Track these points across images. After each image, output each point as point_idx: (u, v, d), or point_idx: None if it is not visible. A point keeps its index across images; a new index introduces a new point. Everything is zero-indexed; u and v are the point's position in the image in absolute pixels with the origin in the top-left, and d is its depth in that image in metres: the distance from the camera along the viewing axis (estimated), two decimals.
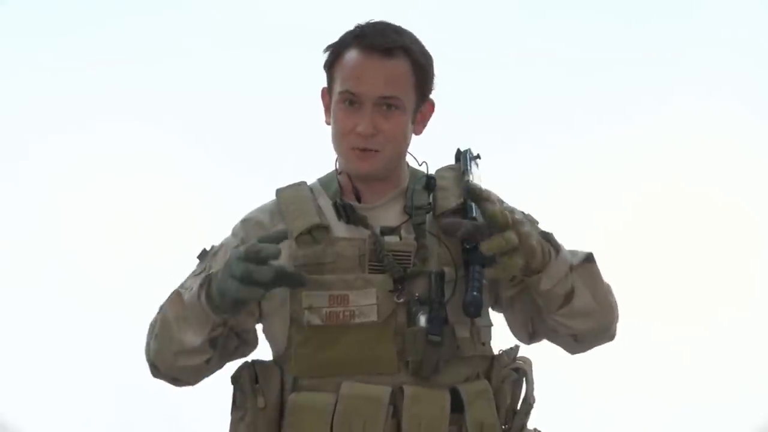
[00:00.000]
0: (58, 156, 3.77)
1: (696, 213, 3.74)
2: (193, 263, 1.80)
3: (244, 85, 3.77)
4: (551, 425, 1.84)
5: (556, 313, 1.65)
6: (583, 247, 1.72)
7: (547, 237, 1.63)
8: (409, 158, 1.81)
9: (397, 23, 1.74)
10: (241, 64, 3.78)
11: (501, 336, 1.82)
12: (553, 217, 1.86)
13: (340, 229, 1.71)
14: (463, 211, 1.68)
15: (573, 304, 1.63)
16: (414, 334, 1.62)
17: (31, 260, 3.67)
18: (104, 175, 3.78)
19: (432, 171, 1.81)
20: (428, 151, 1.84)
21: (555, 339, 1.76)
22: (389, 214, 1.73)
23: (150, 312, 1.76)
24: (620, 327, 1.77)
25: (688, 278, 3.65)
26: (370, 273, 1.66)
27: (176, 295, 1.67)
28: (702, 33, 3.78)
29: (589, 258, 1.67)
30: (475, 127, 3.39)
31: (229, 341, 1.71)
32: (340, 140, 1.71)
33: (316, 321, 1.65)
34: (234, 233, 1.79)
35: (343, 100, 1.68)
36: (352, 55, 1.68)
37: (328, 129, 1.75)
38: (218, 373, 1.78)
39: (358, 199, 1.75)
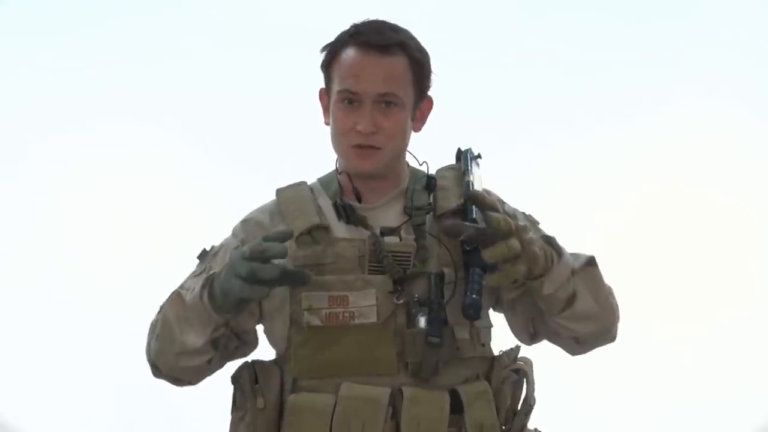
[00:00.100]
0: (58, 156, 3.77)
1: (696, 213, 3.74)
2: (193, 263, 1.80)
3: (244, 85, 3.77)
4: (551, 425, 1.84)
5: (558, 316, 1.65)
6: (583, 248, 1.72)
7: (550, 241, 1.63)
8: (409, 158, 1.81)
9: (397, 23, 1.74)
10: (241, 64, 3.78)
11: (501, 337, 1.82)
12: (553, 217, 1.86)
13: (340, 229, 1.70)
14: (463, 212, 1.67)
15: (575, 307, 1.63)
16: (413, 336, 1.62)
17: (31, 260, 3.67)
18: (104, 175, 3.78)
19: (432, 171, 1.81)
20: (428, 151, 1.83)
21: (556, 341, 1.76)
22: (389, 215, 1.73)
23: (150, 312, 1.76)
24: (620, 327, 1.77)
25: (688, 278, 3.65)
26: (369, 274, 1.65)
27: (177, 296, 1.67)
28: (702, 33, 3.78)
29: (591, 261, 1.66)
30: (475, 127, 3.39)
31: (229, 341, 1.71)
32: (339, 139, 1.70)
33: (316, 322, 1.65)
34: (234, 234, 1.79)
35: (341, 99, 1.68)
36: (349, 54, 1.68)
37: (328, 129, 1.75)
38: (219, 372, 1.78)
39: (359, 199, 1.75)
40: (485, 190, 1.77)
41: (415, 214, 1.71)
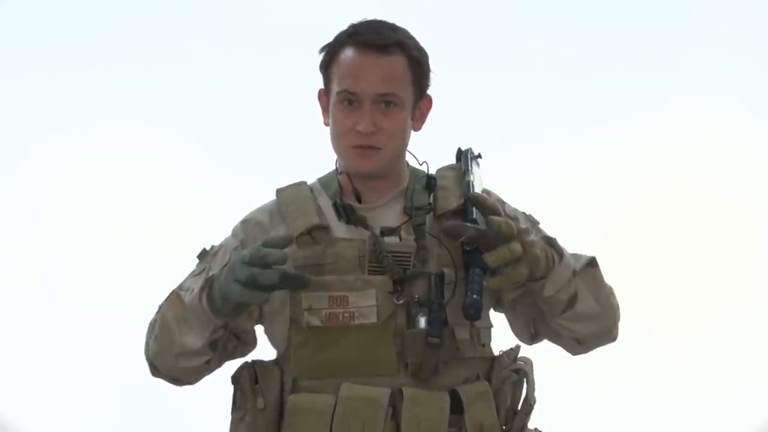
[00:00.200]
0: (58, 156, 3.77)
1: (696, 213, 3.74)
2: (193, 263, 1.80)
3: (244, 85, 3.77)
4: (552, 425, 1.84)
5: (559, 317, 1.65)
6: (583, 248, 1.72)
7: (551, 242, 1.63)
8: (409, 157, 1.81)
9: (397, 23, 1.74)
10: (241, 64, 3.78)
11: (501, 336, 1.82)
12: (553, 217, 1.86)
13: (340, 229, 1.70)
14: (463, 212, 1.68)
15: (576, 308, 1.63)
16: (413, 336, 1.62)
17: (31, 260, 3.67)
18: (104, 175, 3.78)
19: (432, 171, 1.80)
20: (428, 151, 1.83)
21: (557, 341, 1.76)
22: (389, 215, 1.73)
23: (150, 312, 1.77)
24: (621, 327, 1.77)
25: (688, 278, 3.65)
26: (369, 274, 1.65)
27: (176, 297, 1.67)
28: (702, 33, 3.78)
29: (592, 262, 1.66)
30: (475, 127, 3.39)
31: (228, 342, 1.71)
32: (339, 139, 1.70)
33: (316, 322, 1.65)
34: (234, 234, 1.79)
35: (341, 100, 1.67)
36: (348, 54, 1.67)
37: (328, 129, 1.75)
38: (219, 372, 1.78)
39: (359, 200, 1.74)
40: (485, 191, 1.77)
41: (415, 214, 1.71)
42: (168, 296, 1.72)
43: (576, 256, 1.68)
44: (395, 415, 1.63)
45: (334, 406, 1.62)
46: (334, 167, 1.81)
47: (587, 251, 1.71)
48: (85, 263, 3.68)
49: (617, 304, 1.73)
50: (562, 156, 3.83)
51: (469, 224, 1.55)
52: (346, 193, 1.76)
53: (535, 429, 1.79)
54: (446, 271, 1.65)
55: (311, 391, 1.66)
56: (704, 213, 3.74)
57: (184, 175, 3.80)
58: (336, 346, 1.64)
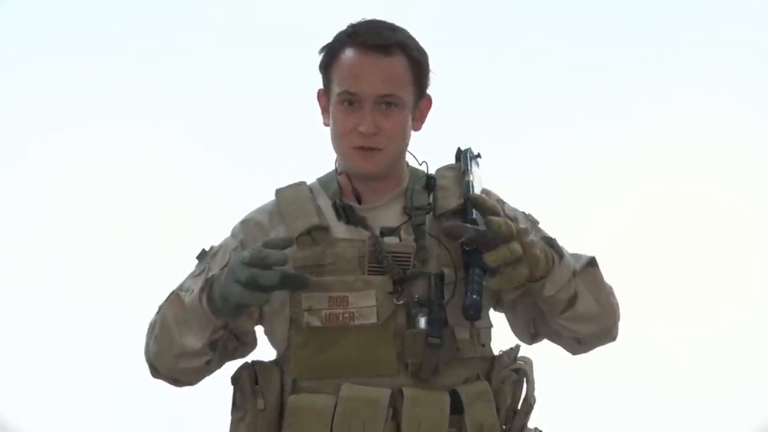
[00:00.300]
0: (58, 156, 3.77)
1: (696, 213, 3.74)
2: (193, 263, 1.80)
3: (244, 85, 3.77)
4: (552, 425, 1.84)
5: (559, 317, 1.65)
6: (583, 248, 1.72)
7: (551, 242, 1.63)
8: (408, 157, 1.81)
9: (396, 23, 1.74)
10: (241, 64, 3.78)
11: (501, 336, 1.82)
12: (553, 217, 1.86)
13: (339, 230, 1.70)
14: (463, 212, 1.68)
15: (576, 308, 1.63)
16: (413, 336, 1.62)
17: (31, 260, 3.67)
18: (104, 175, 3.78)
19: (432, 170, 1.80)
20: (428, 151, 1.83)
21: (557, 341, 1.76)
22: (389, 215, 1.73)
23: (150, 312, 1.77)
24: (621, 327, 1.77)
25: (688, 278, 3.65)
26: (369, 274, 1.65)
27: (176, 297, 1.67)
28: (702, 33, 3.78)
29: (591, 262, 1.66)
30: (475, 127, 3.38)
31: (228, 342, 1.71)
32: (340, 141, 1.70)
33: (316, 323, 1.64)
34: (233, 234, 1.79)
35: (342, 101, 1.67)
36: (348, 55, 1.67)
37: (327, 129, 1.75)
38: (219, 373, 1.78)
39: (358, 200, 1.74)
40: (485, 191, 1.77)
41: (415, 214, 1.71)
42: (168, 297, 1.72)
43: (576, 256, 1.68)
44: (395, 415, 1.63)
45: (335, 407, 1.62)
46: (333, 167, 1.81)
47: (587, 251, 1.71)
48: (85, 263, 3.68)
49: (617, 304, 1.73)
50: (562, 156, 3.82)
51: (468, 225, 1.55)
52: (346, 193, 1.76)
53: (535, 429, 1.79)
54: (446, 271, 1.65)
55: (311, 392, 1.66)
56: (704, 213, 3.74)
57: (184, 175, 3.80)
58: (336, 347, 1.64)
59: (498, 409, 1.71)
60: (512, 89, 3.78)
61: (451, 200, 1.73)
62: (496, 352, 1.77)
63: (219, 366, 1.75)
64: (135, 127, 3.78)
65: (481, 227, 1.52)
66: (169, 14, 3.80)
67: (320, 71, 1.74)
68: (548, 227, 1.80)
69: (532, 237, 1.54)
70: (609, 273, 1.72)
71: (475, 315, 1.49)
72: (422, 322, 1.61)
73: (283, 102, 3.58)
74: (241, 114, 3.78)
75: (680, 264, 3.68)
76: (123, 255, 3.69)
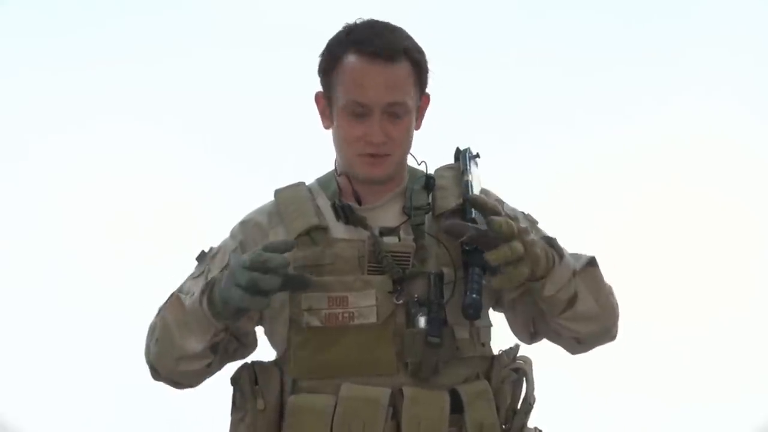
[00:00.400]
0: (58, 156, 3.77)
1: (696, 213, 3.74)
2: (193, 264, 1.80)
3: (244, 85, 3.77)
4: (551, 425, 1.84)
5: (559, 317, 1.65)
6: (583, 248, 1.72)
7: (551, 242, 1.63)
8: (408, 157, 1.80)
9: (396, 23, 1.73)
10: (241, 64, 3.78)
11: (501, 335, 1.81)
12: (553, 217, 1.86)
13: (338, 230, 1.70)
14: (462, 211, 1.68)
15: (576, 308, 1.63)
16: (413, 336, 1.62)
17: (31, 260, 3.67)
18: (104, 175, 3.78)
19: (431, 170, 1.80)
20: (428, 151, 1.83)
21: (557, 340, 1.76)
22: (388, 215, 1.73)
23: (150, 312, 1.76)
24: (621, 327, 1.77)
25: (688, 278, 3.65)
26: (369, 274, 1.65)
27: (176, 300, 1.67)
28: (702, 33, 3.78)
29: (591, 262, 1.66)
30: (475, 127, 3.39)
31: (228, 344, 1.71)
32: (347, 148, 1.69)
33: (315, 323, 1.64)
34: (233, 235, 1.79)
35: (349, 111, 1.66)
36: (353, 63, 1.65)
37: (326, 130, 1.74)
38: (219, 373, 1.78)
39: (358, 201, 1.74)
40: (483, 191, 1.77)
41: (414, 214, 1.71)
42: (168, 299, 1.72)
43: (576, 255, 1.68)
44: (395, 414, 1.62)
45: (334, 407, 1.62)
46: (332, 168, 1.80)
47: (587, 251, 1.71)
48: (85, 263, 3.68)
49: (616, 304, 1.73)
50: (562, 156, 3.83)
51: (469, 224, 1.55)
52: (345, 193, 1.75)
53: (535, 428, 1.79)
54: (445, 270, 1.65)
55: (311, 392, 1.65)
56: (704, 213, 3.74)
57: (184, 175, 3.80)
58: (336, 347, 1.64)
59: (498, 409, 1.71)
60: (512, 89, 3.78)
61: (450, 200, 1.73)
62: (495, 351, 1.77)
63: (219, 368, 1.75)
64: (135, 127, 3.78)
65: (482, 226, 1.52)
66: (169, 14, 3.80)
67: (320, 75, 1.72)
68: (548, 227, 1.80)
69: (532, 236, 1.54)
70: (609, 273, 1.72)
71: (475, 314, 1.49)
72: (422, 321, 1.61)
73: (283, 102, 3.58)
74: (241, 114, 3.78)
75: (680, 264, 3.68)
76: (123, 255, 3.70)
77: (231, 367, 1.77)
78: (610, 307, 1.70)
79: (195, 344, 1.63)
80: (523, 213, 1.81)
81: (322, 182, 1.80)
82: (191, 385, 1.77)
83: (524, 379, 1.76)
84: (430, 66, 1.74)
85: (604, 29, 3.83)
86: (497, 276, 1.51)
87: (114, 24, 3.80)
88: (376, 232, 1.68)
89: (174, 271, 1.85)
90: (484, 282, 1.51)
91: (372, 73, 1.64)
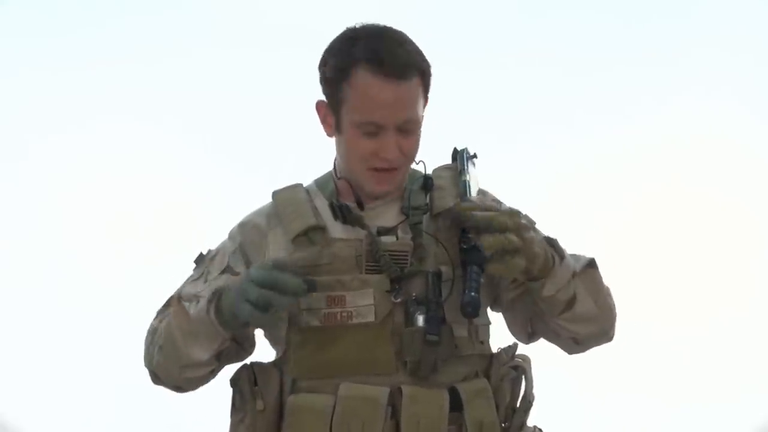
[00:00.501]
0: (58, 156, 3.77)
1: (696, 213, 3.74)
2: (192, 264, 1.80)
3: (244, 85, 3.77)
4: (551, 424, 1.84)
5: (558, 317, 1.65)
6: (583, 248, 1.72)
7: (552, 243, 1.63)
8: None
9: (396, 24, 1.72)
10: (241, 64, 3.78)
11: (500, 334, 1.81)
12: (553, 217, 1.86)
13: (336, 230, 1.70)
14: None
15: (575, 309, 1.64)
16: (412, 334, 1.62)
17: (31, 260, 3.67)
18: (104, 175, 3.78)
19: (429, 170, 1.80)
20: (428, 151, 1.83)
21: (555, 341, 1.76)
22: (387, 215, 1.73)
23: (150, 312, 1.76)
24: (621, 326, 1.77)
25: (688, 278, 3.65)
26: (367, 273, 1.65)
27: (179, 308, 1.66)
28: (702, 33, 3.78)
29: (591, 264, 1.66)
30: (475, 127, 3.39)
31: (230, 349, 1.71)
32: (357, 162, 1.68)
33: (314, 322, 1.64)
34: (231, 237, 1.78)
35: (363, 130, 1.64)
36: (366, 81, 1.62)
37: (326, 131, 1.74)
38: (218, 375, 1.78)
39: (360, 205, 1.73)
40: (481, 191, 1.77)
41: (412, 213, 1.71)
42: (167, 302, 1.72)
43: (575, 257, 1.68)
44: (395, 413, 1.62)
45: (334, 406, 1.62)
46: (332, 168, 1.80)
47: (587, 251, 1.71)
48: (85, 263, 3.68)
49: (614, 305, 1.73)
50: (562, 156, 3.83)
51: (475, 212, 1.55)
52: (343, 194, 1.75)
53: (535, 427, 1.79)
54: (443, 269, 1.65)
55: (310, 392, 1.65)
56: (704, 213, 3.74)
57: (184, 175, 3.80)
58: (334, 346, 1.64)
59: (497, 407, 1.71)
60: (512, 89, 3.78)
61: (447, 200, 1.72)
62: (494, 349, 1.77)
63: (219, 371, 1.76)
64: (135, 127, 3.78)
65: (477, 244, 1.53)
66: (169, 14, 3.81)
67: (324, 84, 1.70)
68: (548, 227, 1.79)
69: (532, 234, 1.54)
70: (609, 273, 1.72)
71: (474, 312, 1.49)
72: (420, 320, 1.61)
73: (283, 102, 3.58)
74: (241, 114, 3.78)
75: (680, 264, 3.68)
76: (123, 255, 3.70)
77: (230, 369, 1.77)
78: (609, 308, 1.70)
79: (201, 353, 1.64)
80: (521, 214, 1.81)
81: (320, 183, 1.80)
82: (193, 389, 1.77)
83: (523, 377, 1.76)
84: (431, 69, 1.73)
85: (604, 29, 3.84)
86: (495, 262, 1.50)
87: (114, 24, 3.80)
88: (374, 232, 1.68)
89: (174, 271, 1.86)
90: (482, 280, 1.51)
91: (386, 93, 1.61)
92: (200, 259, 1.78)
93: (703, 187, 3.79)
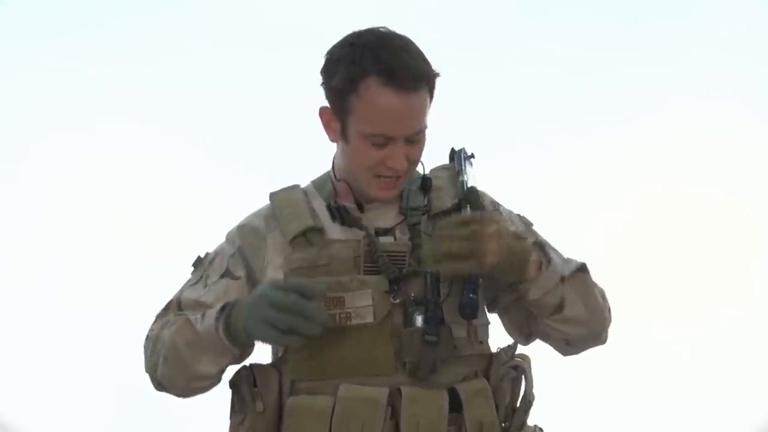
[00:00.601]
0: (58, 156, 3.77)
1: (696, 213, 3.74)
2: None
3: (244, 85, 3.77)
4: (551, 423, 1.84)
5: (548, 318, 1.65)
6: (583, 248, 1.72)
7: (541, 246, 1.63)
8: None
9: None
10: (241, 64, 3.78)
11: (499, 334, 1.81)
12: (553, 217, 1.86)
13: (334, 231, 1.70)
14: (457, 211, 1.67)
15: (564, 312, 1.64)
16: (410, 335, 1.62)
17: (31, 260, 3.67)
18: (104, 175, 3.78)
19: (427, 170, 1.80)
20: (427, 151, 1.83)
21: (547, 341, 1.76)
22: (385, 216, 1.73)
23: (150, 312, 1.76)
24: (621, 326, 1.77)
25: (688, 278, 3.65)
26: (365, 274, 1.65)
27: (185, 322, 1.65)
28: (702, 33, 3.78)
29: (582, 268, 1.66)
30: (475, 127, 3.39)
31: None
32: (363, 170, 1.67)
33: None
34: (230, 240, 1.78)
35: (372, 141, 1.63)
36: (377, 94, 1.60)
37: (326, 130, 1.73)
38: None
39: (360, 207, 1.73)
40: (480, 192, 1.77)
41: (411, 214, 1.71)
42: (166, 306, 1.72)
43: (567, 260, 1.67)
44: (394, 414, 1.62)
45: (333, 407, 1.62)
46: (330, 168, 1.80)
47: (587, 251, 1.71)
48: (85, 263, 3.68)
49: (608, 307, 1.73)
50: (562, 156, 3.83)
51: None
52: (341, 195, 1.75)
53: (535, 426, 1.78)
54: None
55: (310, 393, 1.65)
56: (704, 213, 3.74)
57: (184, 175, 3.80)
58: (333, 347, 1.64)
59: (497, 407, 1.70)
60: (512, 89, 3.78)
61: (445, 200, 1.72)
62: (493, 349, 1.77)
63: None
64: (135, 127, 3.78)
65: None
66: (169, 14, 3.81)
67: (330, 92, 1.68)
68: (548, 227, 1.80)
69: (508, 240, 1.54)
70: (609, 273, 1.72)
71: (472, 314, 1.49)
72: (419, 320, 1.61)
73: (283, 102, 3.59)
74: (241, 114, 3.78)
75: (680, 264, 3.68)
76: (123, 255, 3.70)
77: (230, 370, 1.77)
78: (600, 312, 1.70)
79: (209, 367, 1.64)
80: (518, 215, 1.81)
81: (317, 184, 1.80)
82: (195, 396, 1.77)
83: (523, 376, 1.76)
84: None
85: (604, 29, 3.84)
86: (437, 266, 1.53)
87: (114, 24, 3.80)
88: (372, 233, 1.68)
89: (174, 271, 1.85)
90: (480, 281, 1.51)
91: (397, 106, 1.61)
92: (198, 263, 1.78)
93: (703, 187, 3.79)
